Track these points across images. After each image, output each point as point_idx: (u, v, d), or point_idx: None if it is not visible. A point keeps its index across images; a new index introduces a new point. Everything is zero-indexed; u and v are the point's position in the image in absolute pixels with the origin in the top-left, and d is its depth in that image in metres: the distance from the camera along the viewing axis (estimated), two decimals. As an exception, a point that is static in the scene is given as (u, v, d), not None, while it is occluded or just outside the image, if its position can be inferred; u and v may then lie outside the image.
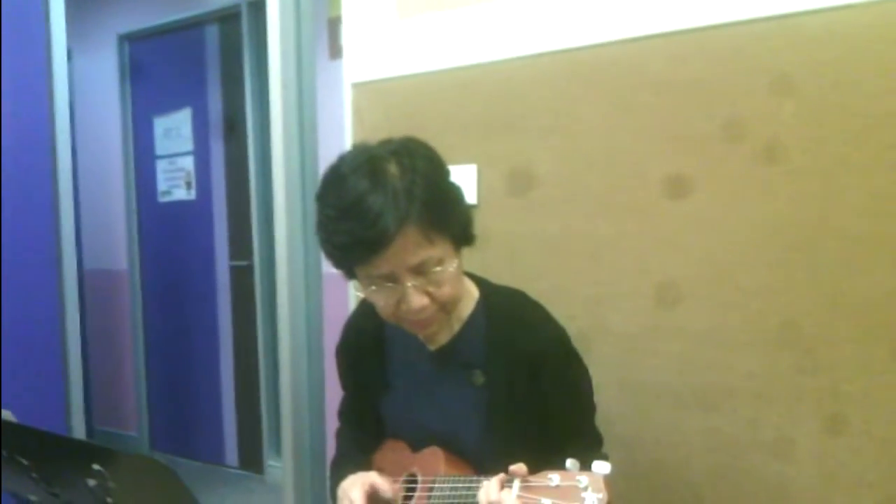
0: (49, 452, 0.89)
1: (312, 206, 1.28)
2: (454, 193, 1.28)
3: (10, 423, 0.90)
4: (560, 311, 1.39)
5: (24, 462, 0.91)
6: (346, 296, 2.11)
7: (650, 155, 1.60)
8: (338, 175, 1.23)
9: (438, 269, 1.22)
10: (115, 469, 0.81)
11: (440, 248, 1.22)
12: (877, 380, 1.40)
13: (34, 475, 0.92)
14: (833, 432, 1.44)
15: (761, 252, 1.50)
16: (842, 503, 1.44)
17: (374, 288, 1.24)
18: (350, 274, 1.29)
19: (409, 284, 1.21)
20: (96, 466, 0.81)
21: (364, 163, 1.21)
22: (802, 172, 1.45)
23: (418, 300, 1.22)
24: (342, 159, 1.25)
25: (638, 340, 1.65)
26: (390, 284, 1.22)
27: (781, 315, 1.48)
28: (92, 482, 0.83)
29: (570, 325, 1.38)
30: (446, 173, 1.27)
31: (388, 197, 1.16)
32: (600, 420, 1.39)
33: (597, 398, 1.39)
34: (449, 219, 1.24)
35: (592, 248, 1.69)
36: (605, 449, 1.36)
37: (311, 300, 2.46)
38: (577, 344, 1.37)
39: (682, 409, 1.60)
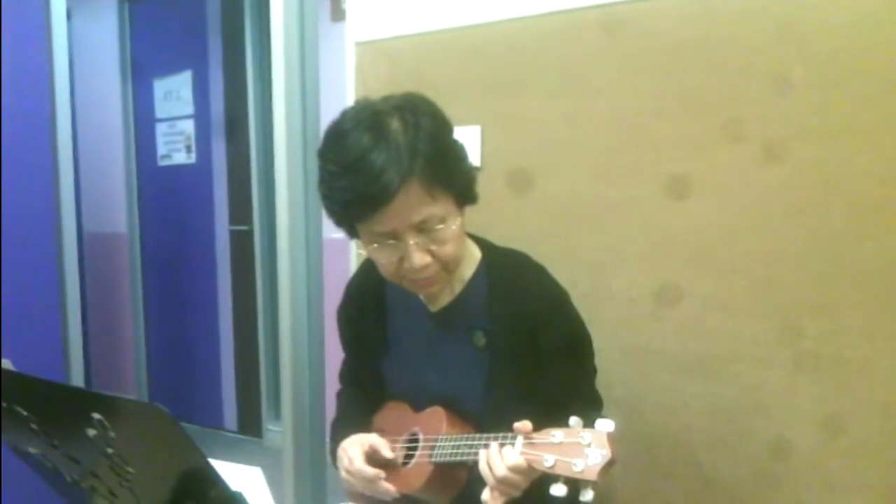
0: (48, 401, 0.89)
1: (314, 171, 1.27)
2: (458, 150, 1.26)
3: (8, 372, 0.89)
4: (563, 275, 1.38)
5: (24, 412, 0.90)
6: (347, 261, 2.11)
7: (658, 118, 1.58)
8: (340, 131, 1.21)
9: (441, 226, 1.21)
10: (115, 417, 0.81)
11: (443, 206, 1.21)
12: (882, 346, 1.39)
13: (34, 426, 0.91)
14: (836, 400, 1.44)
15: (766, 217, 1.49)
16: (841, 466, 1.44)
17: (375, 245, 1.23)
18: (352, 232, 1.28)
19: (411, 242, 1.20)
20: (97, 415, 0.81)
21: (367, 118, 1.19)
22: (809, 135, 1.43)
23: (420, 258, 1.21)
24: (344, 115, 1.24)
25: (640, 305, 1.64)
26: (392, 242, 1.21)
27: (785, 280, 1.48)
28: (92, 432, 0.83)
29: (572, 289, 1.37)
30: (450, 130, 1.26)
31: (390, 152, 1.14)
32: (601, 384, 1.39)
33: (598, 362, 1.39)
34: (452, 176, 1.22)
35: (596, 213, 1.68)
36: (605, 412, 1.36)
37: (312, 265, 2.46)
38: (580, 309, 1.37)
39: (684, 375, 1.60)
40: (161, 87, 4.34)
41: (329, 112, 1.34)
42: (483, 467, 1.13)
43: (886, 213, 1.37)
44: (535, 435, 1.07)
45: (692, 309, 1.58)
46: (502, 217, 1.74)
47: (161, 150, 4.39)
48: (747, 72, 1.48)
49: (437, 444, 1.28)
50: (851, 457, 1.44)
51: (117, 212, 4.56)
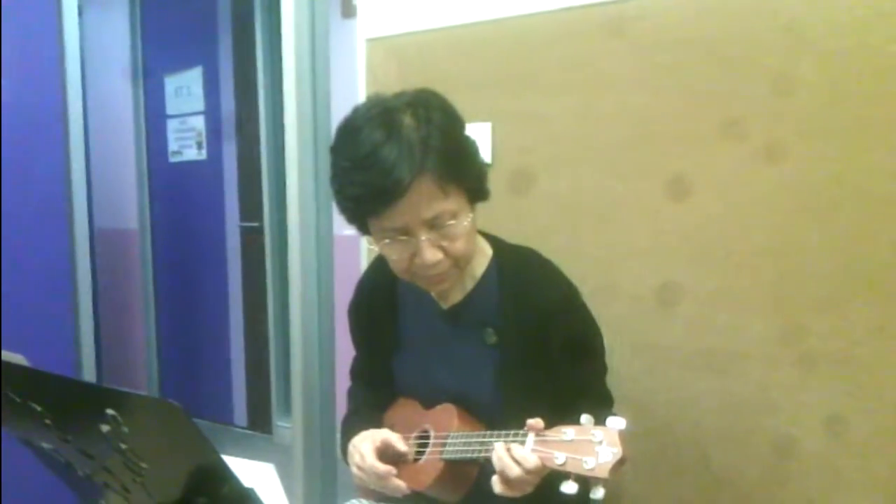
0: (62, 397, 0.89)
1: (325, 167, 1.28)
2: (469, 146, 1.27)
3: (22, 368, 0.90)
4: (572, 272, 1.38)
5: (37, 408, 0.90)
6: (357, 258, 2.11)
7: (665, 114, 1.58)
8: (352, 126, 1.22)
9: (452, 222, 1.21)
10: (129, 413, 0.81)
11: (454, 202, 1.21)
12: (889, 344, 1.39)
13: (47, 421, 0.91)
14: (843, 398, 1.43)
15: (773, 214, 1.48)
16: (849, 464, 1.44)
17: (387, 241, 1.23)
18: (363, 228, 1.28)
19: (422, 238, 1.20)
20: (110, 411, 0.81)
21: (379, 114, 1.19)
22: (816, 132, 1.42)
23: (432, 254, 1.21)
24: (356, 111, 1.24)
25: (647, 302, 1.64)
26: (404, 238, 1.21)
27: (792, 278, 1.47)
28: (106, 428, 0.83)
29: (581, 286, 1.37)
30: (461, 126, 1.26)
31: (402, 148, 1.15)
32: (611, 381, 1.39)
33: (608, 359, 1.39)
34: (464, 171, 1.22)
35: (604, 209, 1.68)
36: (616, 409, 1.36)
37: (323, 261, 2.46)
38: (589, 306, 1.36)
39: (693, 371, 1.59)
40: (172, 83, 4.34)
41: (340, 108, 1.35)
42: (496, 464, 1.13)
43: (893, 210, 1.36)
44: (546, 432, 1.08)
45: (699, 306, 1.58)
46: (510, 213, 1.74)
47: (172, 146, 4.39)
48: (754, 69, 1.48)
49: (448, 440, 1.28)
50: (859, 455, 1.43)
51: (128, 208, 4.57)
